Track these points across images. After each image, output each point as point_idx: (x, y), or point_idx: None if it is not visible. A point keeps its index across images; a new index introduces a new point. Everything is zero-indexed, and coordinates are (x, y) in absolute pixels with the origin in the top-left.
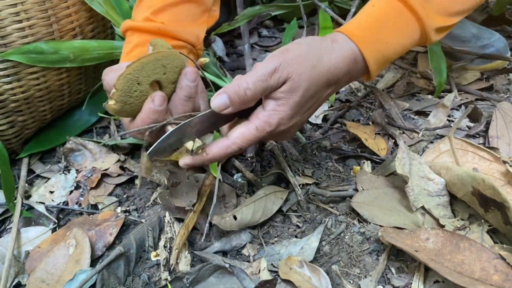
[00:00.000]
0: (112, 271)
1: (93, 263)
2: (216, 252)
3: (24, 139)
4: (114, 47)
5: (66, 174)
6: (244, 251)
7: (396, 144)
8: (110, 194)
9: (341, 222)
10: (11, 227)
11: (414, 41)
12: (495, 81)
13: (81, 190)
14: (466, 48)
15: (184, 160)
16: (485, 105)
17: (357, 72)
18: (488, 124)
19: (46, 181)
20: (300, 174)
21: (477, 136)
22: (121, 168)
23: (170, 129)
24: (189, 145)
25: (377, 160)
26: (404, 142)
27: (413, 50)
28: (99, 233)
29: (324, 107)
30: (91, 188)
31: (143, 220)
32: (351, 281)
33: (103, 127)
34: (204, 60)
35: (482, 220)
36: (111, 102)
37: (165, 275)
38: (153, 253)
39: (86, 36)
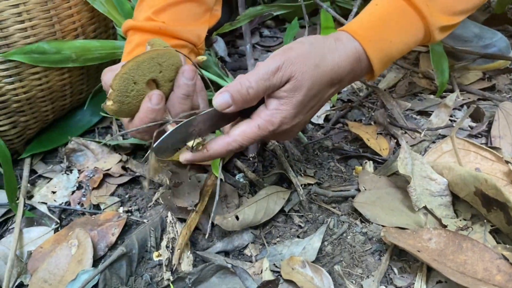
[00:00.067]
0: (114, 271)
1: (96, 263)
2: (218, 252)
3: (26, 139)
4: (116, 47)
5: (68, 174)
6: (246, 251)
7: (398, 144)
8: (112, 194)
9: (343, 222)
10: (13, 227)
11: (418, 40)
12: (497, 81)
13: (83, 190)
14: (468, 48)
15: (185, 156)
16: (487, 105)
17: (360, 71)
18: (490, 124)
19: (48, 181)
20: (302, 174)
21: (479, 136)
22: (123, 168)
23: (170, 128)
24: (190, 142)
25: (379, 160)
26: (406, 142)
27: (415, 50)
28: (101, 233)
29: (326, 107)
30: (93, 188)
31: (145, 220)
32: (354, 281)
33: (105, 127)
34: (202, 58)
35: (485, 220)
36: (108, 103)
37: (167, 275)
38: (155, 253)
39: (88, 36)
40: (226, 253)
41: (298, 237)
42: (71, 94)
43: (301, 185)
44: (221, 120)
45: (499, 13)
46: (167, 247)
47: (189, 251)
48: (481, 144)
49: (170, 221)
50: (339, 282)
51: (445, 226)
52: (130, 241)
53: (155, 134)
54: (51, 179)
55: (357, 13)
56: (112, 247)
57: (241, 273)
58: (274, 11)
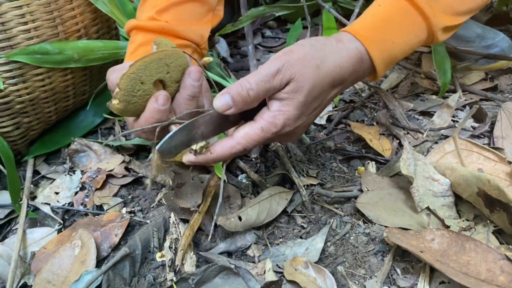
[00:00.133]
0: (117, 272)
1: (99, 264)
2: (221, 253)
3: (30, 140)
4: (119, 47)
5: (71, 175)
6: (249, 252)
7: (400, 145)
8: (115, 195)
9: (346, 223)
10: (17, 228)
11: (421, 40)
12: (499, 81)
13: (86, 191)
14: (471, 48)
15: (188, 157)
16: (489, 105)
17: (363, 72)
18: (493, 124)
19: (51, 182)
20: (305, 175)
21: (482, 136)
22: (126, 169)
23: (174, 128)
24: (193, 145)
25: (382, 161)
26: (409, 142)
27: (417, 51)
28: (105, 234)
29: (328, 107)
30: (96, 189)
31: (148, 221)
32: (357, 282)
33: (108, 128)
34: (208, 59)
35: (488, 221)
36: (114, 102)
37: (170, 276)
38: (158, 254)
39: (91, 37)
40: (229, 254)
41: (301, 237)
42: (74, 95)
43: (304, 186)
44: (224, 123)
45: (501, 11)
46: (170, 247)
47: (192, 252)
48: (484, 144)
49: (173, 222)
50: (342, 282)
51: (448, 227)
52: (133, 242)
53: (157, 133)
54: (54, 180)
55: (359, 13)
56: (115, 247)
57: (245, 274)
58: (276, 11)
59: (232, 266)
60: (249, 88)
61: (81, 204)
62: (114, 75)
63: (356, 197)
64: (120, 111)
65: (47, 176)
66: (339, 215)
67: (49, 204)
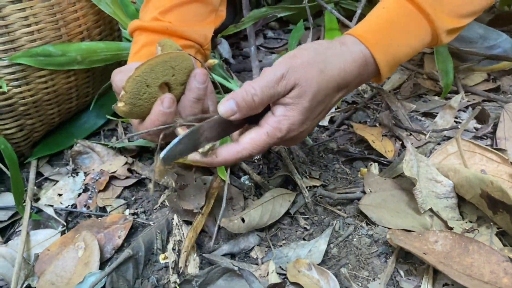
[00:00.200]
0: (121, 273)
1: (102, 265)
2: (224, 255)
3: (33, 142)
4: (121, 48)
5: (74, 177)
6: (252, 254)
7: (403, 146)
8: (118, 197)
9: (349, 224)
10: (20, 230)
11: (425, 43)
12: (502, 82)
13: (89, 192)
14: (473, 49)
15: (194, 156)
16: (492, 106)
17: (367, 75)
18: (495, 125)
19: (54, 184)
20: (307, 176)
21: (485, 137)
22: (129, 170)
23: (179, 131)
24: (199, 149)
25: (385, 162)
26: (412, 143)
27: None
28: (108, 236)
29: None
30: (99, 191)
31: (151, 223)
32: (360, 284)
33: (111, 130)
34: (213, 61)
35: (491, 223)
36: (120, 104)
37: (174, 277)
38: (161, 256)
39: (94, 39)
40: (232, 256)
41: (304, 239)
42: (77, 97)
43: (307, 187)
44: (228, 127)
45: (503, 11)
46: (173, 249)
47: (196, 254)
48: (487, 145)
49: (176, 224)
50: (345, 284)
51: (451, 229)
52: (137, 244)
53: (161, 136)
54: (57, 181)
55: (360, 14)
56: (119, 249)
57: (248, 276)
58: (278, 12)
59: (236, 268)
60: (254, 93)
61: (84, 205)
62: (119, 77)
63: (359, 199)
64: (125, 114)
65: (50, 177)
66: (342, 217)
67: (52, 206)
